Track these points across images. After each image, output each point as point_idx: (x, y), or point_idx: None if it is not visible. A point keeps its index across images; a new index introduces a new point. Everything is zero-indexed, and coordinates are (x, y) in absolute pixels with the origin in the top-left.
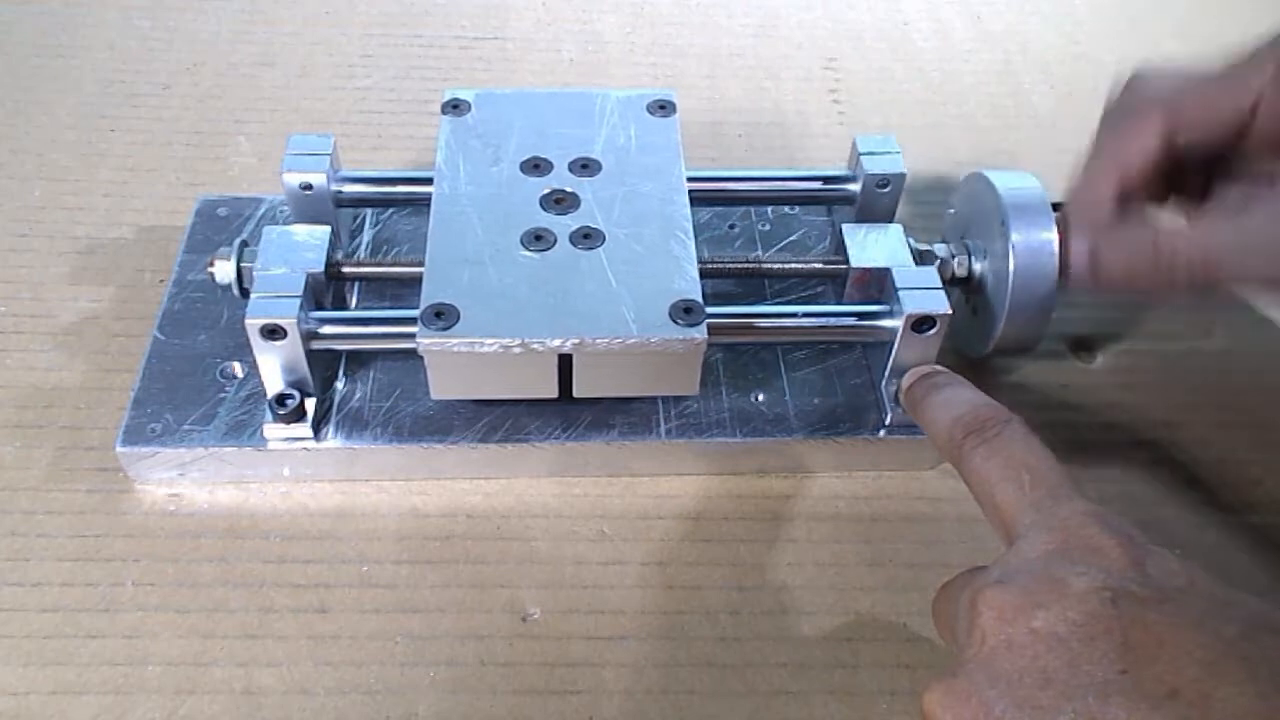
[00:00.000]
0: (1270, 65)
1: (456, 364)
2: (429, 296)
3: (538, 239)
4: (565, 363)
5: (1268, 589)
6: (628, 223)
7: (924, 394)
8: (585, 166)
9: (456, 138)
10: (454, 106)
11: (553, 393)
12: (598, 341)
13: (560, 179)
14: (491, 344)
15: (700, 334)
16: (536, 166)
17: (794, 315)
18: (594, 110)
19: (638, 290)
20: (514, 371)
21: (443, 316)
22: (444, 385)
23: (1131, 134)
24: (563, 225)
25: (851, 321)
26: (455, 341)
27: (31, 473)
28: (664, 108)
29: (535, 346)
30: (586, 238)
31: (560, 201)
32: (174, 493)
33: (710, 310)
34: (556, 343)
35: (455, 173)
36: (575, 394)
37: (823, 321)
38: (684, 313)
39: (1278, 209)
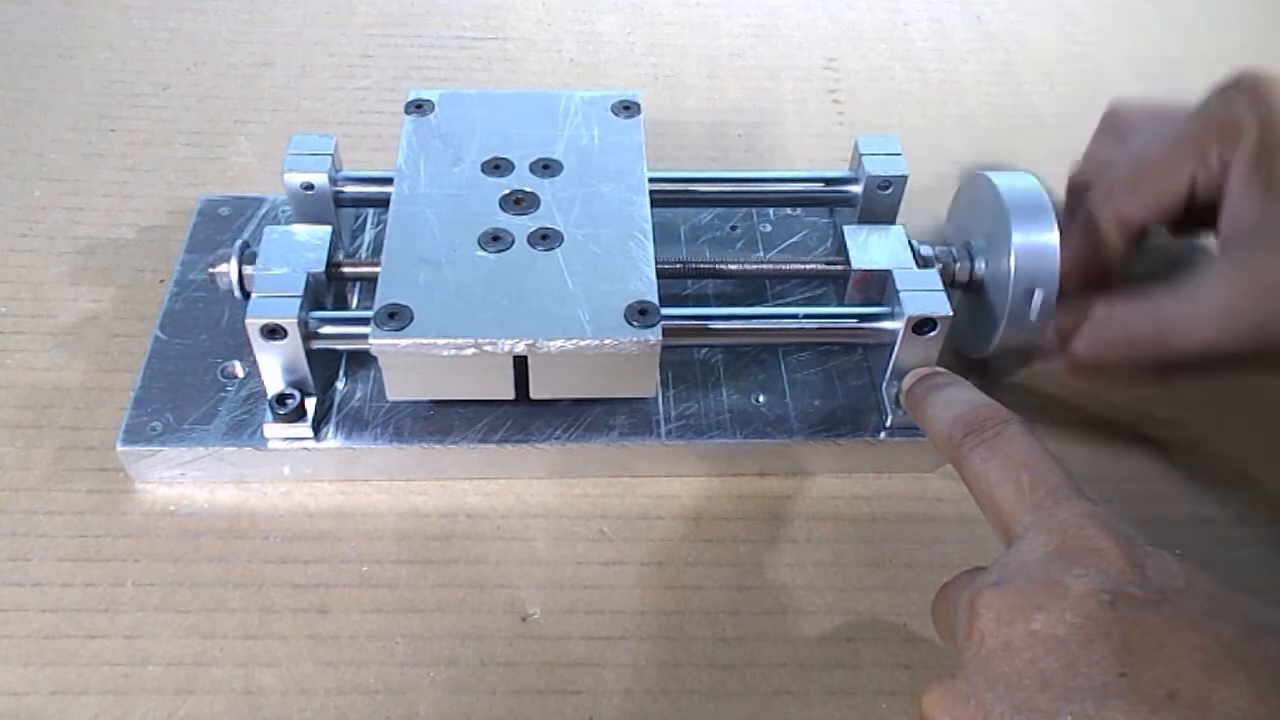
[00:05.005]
0: (1199, 146)
1: (411, 365)
2: (383, 297)
3: (495, 239)
4: (521, 364)
5: (1268, 589)
6: (587, 224)
7: (924, 394)
8: (546, 167)
9: (418, 138)
10: (417, 106)
11: (509, 394)
12: (552, 343)
13: (521, 179)
14: (444, 345)
15: (654, 336)
16: (497, 167)
17: (794, 317)
18: (558, 111)
19: (594, 291)
20: (469, 373)
21: (396, 317)
22: (399, 386)
23: (1084, 234)
24: (521, 226)
25: (852, 323)
26: (407, 343)
27: (31, 473)
28: (628, 108)
29: (488, 348)
30: (544, 239)
31: (520, 202)
32: (174, 492)
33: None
34: (510, 344)
35: (415, 173)
36: (532, 395)
37: (824, 323)
38: (639, 314)
39: (1214, 279)
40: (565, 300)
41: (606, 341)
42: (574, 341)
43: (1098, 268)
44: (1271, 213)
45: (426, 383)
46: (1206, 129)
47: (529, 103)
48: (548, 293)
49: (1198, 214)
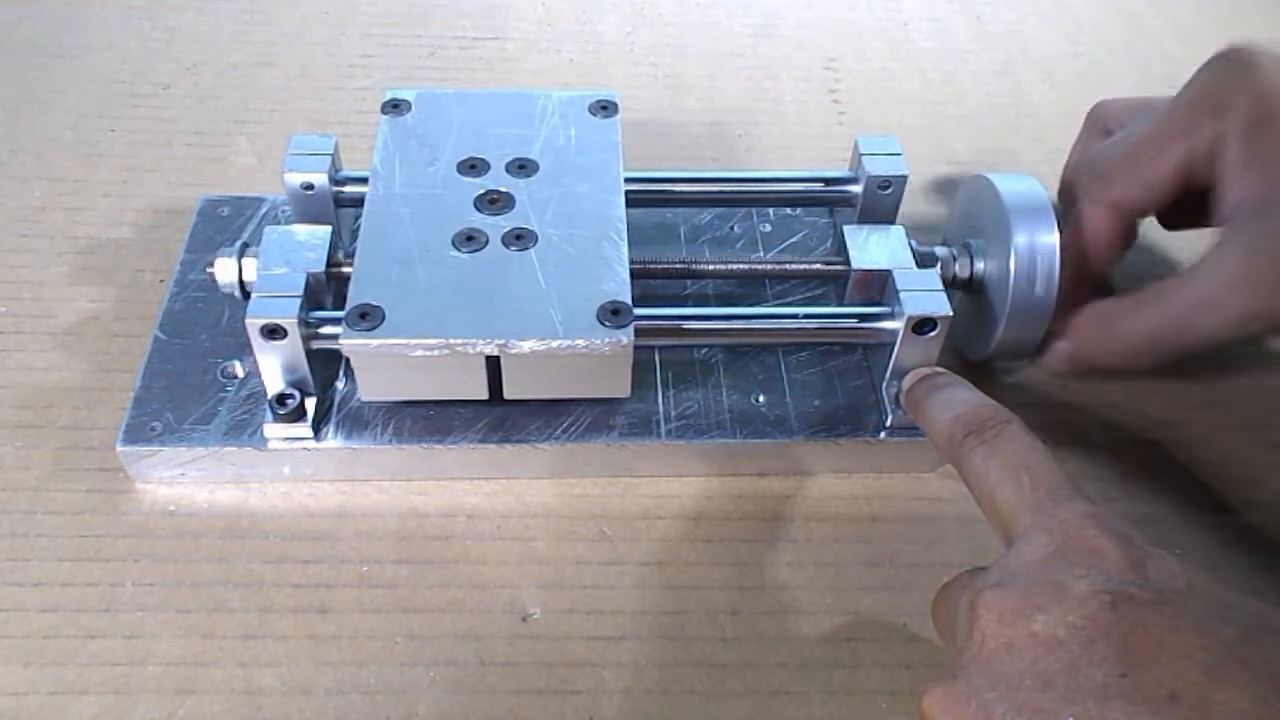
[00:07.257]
0: (1189, 122)
1: (383, 365)
2: (355, 297)
3: (469, 239)
4: (494, 364)
5: (1267, 589)
6: (561, 224)
7: (924, 394)
8: (522, 167)
9: (395, 138)
10: (394, 106)
11: (483, 394)
12: (523, 343)
13: (496, 179)
14: (415, 345)
15: (626, 336)
16: (473, 167)
17: (794, 317)
18: (535, 111)
19: (567, 291)
20: (442, 373)
21: (367, 317)
22: (372, 386)
23: (1082, 228)
24: (496, 226)
25: (852, 323)
26: (378, 343)
27: (31, 473)
28: (606, 108)
29: (460, 348)
30: (519, 239)
31: (494, 202)
32: (174, 492)
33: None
34: (482, 344)
35: (391, 173)
36: (506, 396)
37: (824, 323)
38: (611, 314)
39: (1226, 257)
40: (538, 300)
41: (578, 342)
42: (545, 342)
43: (1097, 259)
44: (1273, 182)
45: (399, 383)
46: (1195, 105)
47: (506, 102)
48: (521, 293)
49: (1190, 202)
